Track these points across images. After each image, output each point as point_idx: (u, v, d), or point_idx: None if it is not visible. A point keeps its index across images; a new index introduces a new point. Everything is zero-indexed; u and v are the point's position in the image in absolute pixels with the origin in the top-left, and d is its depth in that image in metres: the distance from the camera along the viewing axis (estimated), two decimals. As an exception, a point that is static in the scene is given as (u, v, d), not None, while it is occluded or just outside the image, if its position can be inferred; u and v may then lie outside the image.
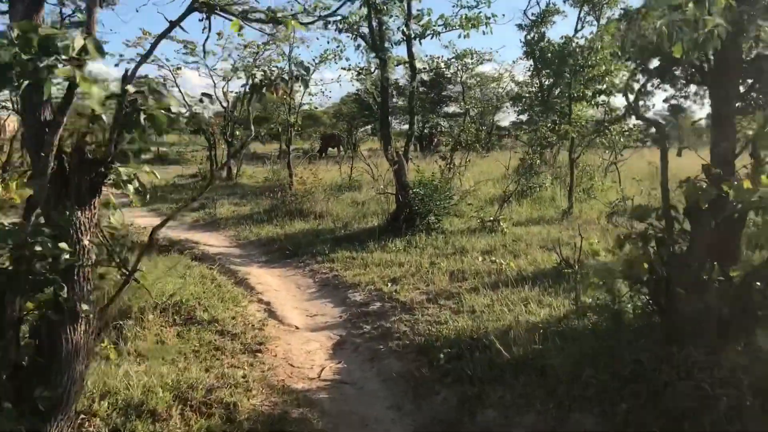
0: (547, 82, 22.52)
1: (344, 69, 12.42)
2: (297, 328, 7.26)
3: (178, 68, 21.09)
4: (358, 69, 12.06)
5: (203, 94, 5.17)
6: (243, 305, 7.70)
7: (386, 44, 11.40)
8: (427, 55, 12.44)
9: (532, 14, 22.99)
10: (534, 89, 22.83)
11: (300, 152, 47.64)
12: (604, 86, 13.35)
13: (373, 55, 11.49)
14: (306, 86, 5.31)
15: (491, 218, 11.61)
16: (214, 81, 21.72)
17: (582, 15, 22.82)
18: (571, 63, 13.17)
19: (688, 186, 4.71)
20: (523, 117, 25.82)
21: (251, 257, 10.80)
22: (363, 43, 11.62)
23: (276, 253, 10.91)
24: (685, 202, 5.08)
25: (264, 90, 5.24)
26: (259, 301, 8.18)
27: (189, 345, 6.26)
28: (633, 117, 13.54)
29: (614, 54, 13.36)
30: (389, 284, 8.41)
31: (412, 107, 11.70)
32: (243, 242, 12.01)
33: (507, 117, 51.94)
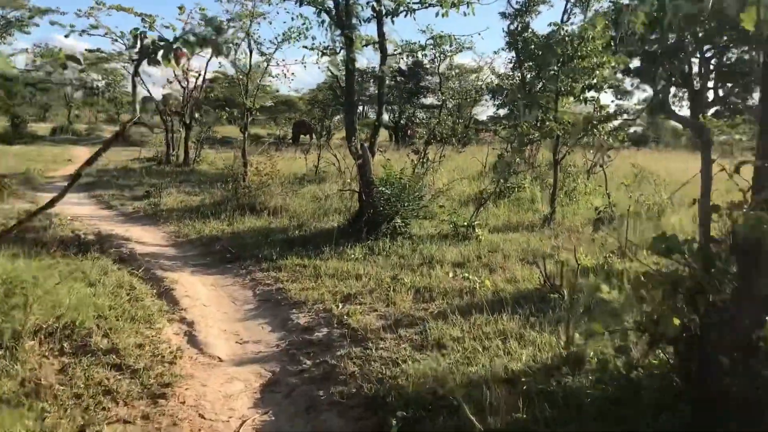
0: (529, 76, 21.23)
1: (306, 47, 10.93)
2: (220, 360, 5.83)
3: (133, 45, 19.34)
4: (322, 49, 10.58)
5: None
6: (158, 327, 6.25)
7: (353, 21, 9.97)
8: (403, 40, 10.90)
9: (517, 2, 21.69)
10: (515, 82, 21.51)
11: (273, 138, 46.22)
12: (594, 80, 12.02)
13: (338, 32, 10.05)
14: (219, 52, 3.90)
15: (465, 223, 10.27)
16: (173, 58, 20.00)
17: (569, 6, 21.59)
18: (559, 53, 11.80)
19: (746, 216, 3.35)
20: (503, 111, 24.48)
21: (186, 260, 9.32)
22: (328, 19, 10.16)
23: (216, 255, 9.44)
24: (727, 232, 3.76)
25: (160, 55, 3.83)
26: (181, 320, 6.72)
27: (70, 387, 4.81)
28: (622, 115, 12.33)
29: (606, 45, 12.09)
30: (341, 304, 7.02)
31: (381, 94, 10.29)
32: (181, 240, 10.51)
33: (485, 111, 50.83)
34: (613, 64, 12.13)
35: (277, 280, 8.04)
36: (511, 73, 23.28)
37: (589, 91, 12.35)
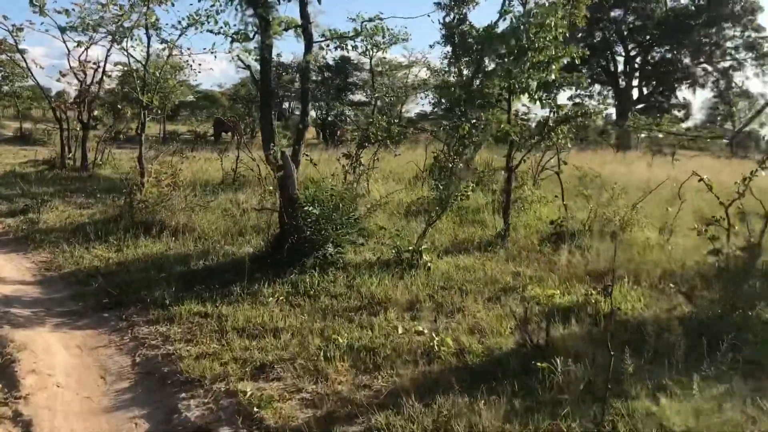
0: (467, 71, 19.65)
1: (212, 32, 8.80)
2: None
3: (20, 29, 16.60)
4: (232, 34, 8.50)
5: None
6: (-33, 440, 4.14)
7: (270, -2, 7.98)
8: (331, 29, 8.90)
9: (454, -9, 20.08)
10: (453, 79, 19.90)
11: (191, 136, 43.33)
12: (552, 76, 10.39)
13: (250, 12, 8.02)
14: None
15: (410, 248, 8.43)
16: (68, 48, 17.39)
17: (507, -2, 20.11)
18: (513, 44, 10.11)
19: None
20: (438, 110, 22.77)
21: (51, 305, 7.09)
22: (238, -4, 8.12)
23: (91, 298, 7.24)
24: None
25: None
26: (14, 418, 4.60)
27: None
28: (587, 116, 10.80)
29: (561, 35, 10.52)
30: (251, 382, 5.06)
31: (305, 90, 8.29)
32: (52, 275, 8.24)
33: (414, 108, 49.54)
34: (571, 56, 10.56)
35: (166, 339, 5.98)
36: (447, 69, 21.66)
37: (545, 89, 10.75)
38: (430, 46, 43.70)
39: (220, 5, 9.98)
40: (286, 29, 8.20)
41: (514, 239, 10.56)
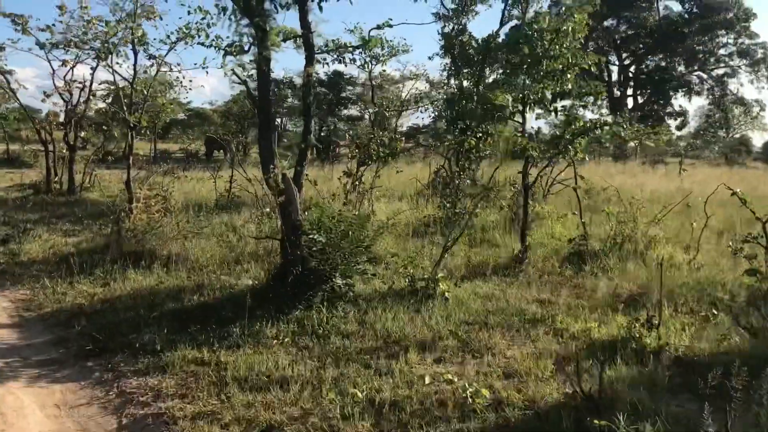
0: (466, 83, 18.99)
1: (203, 45, 8.09)
2: None
3: (1, 48, 15.86)
4: (225, 46, 7.78)
5: None
6: None
7: (267, 6, 7.27)
8: (334, 39, 8.19)
9: (452, 1, 19.42)
10: (453, 91, 19.21)
11: (183, 155, 42.60)
12: (568, 86, 9.70)
13: (246, 22, 7.31)
14: None
15: (425, 276, 7.70)
16: (52, 67, 16.66)
17: (507, 8, 19.51)
18: (527, 52, 9.42)
19: None
20: (440, 123, 22.05)
21: (28, 354, 6.29)
22: (231, 5, 7.41)
23: (74, 343, 6.45)
24: None
25: None
26: None
27: None
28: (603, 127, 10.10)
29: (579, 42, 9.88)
30: (259, 450, 4.30)
31: (307, 106, 7.55)
32: (31, 316, 7.43)
33: (406, 121, 49.06)
34: (588, 63, 9.89)
35: (158, 395, 5.20)
36: (446, 81, 21.00)
37: (561, 100, 10.06)
38: (429, 58, 42.67)
39: (212, 18, 9.36)
40: (284, 40, 7.49)
41: (533, 261, 9.85)
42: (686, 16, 57.77)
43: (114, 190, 19.88)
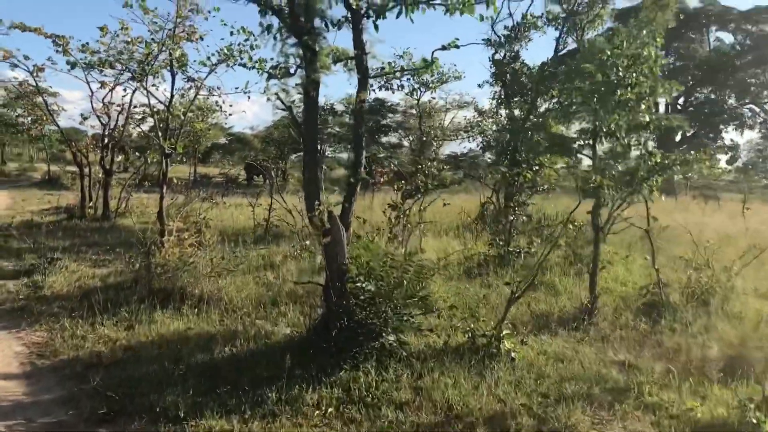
0: (518, 112, 18.06)
1: (245, 66, 7.34)
2: None
3: (41, 69, 15.48)
4: (269, 69, 7.02)
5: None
6: None
7: (316, 24, 6.48)
8: (390, 62, 7.35)
9: (505, 27, 18.59)
10: (503, 120, 18.30)
11: (223, 179, 42.43)
12: (646, 118, 8.70)
13: (293, 42, 6.53)
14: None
15: (489, 332, 6.71)
16: (91, 89, 16.27)
17: (562, 35, 18.61)
18: (602, 80, 8.46)
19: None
20: (489, 153, 21.08)
21: (33, 415, 5.46)
22: (277, 22, 6.64)
23: (87, 403, 5.59)
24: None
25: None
26: None
27: None
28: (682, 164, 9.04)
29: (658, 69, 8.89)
30: None
31: (359, 135, 6.68)
32: (43, 365, 6.63)
33: (445, 149, 48.35)
34: (670, 93, 8.90)
35: (177, 481, 4.31)
36: (495, 110, 20.10)
37: (636, 132, 9.04)
38: (479, 86, 41.27)
39: (255, 39, 8.66)
40: (335, 62, 6.68)
41: (602, 312, 8.78)
42: (738, 47, 56.14)
43: (150, 215, 19.38)
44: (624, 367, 6.72)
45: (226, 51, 9.50)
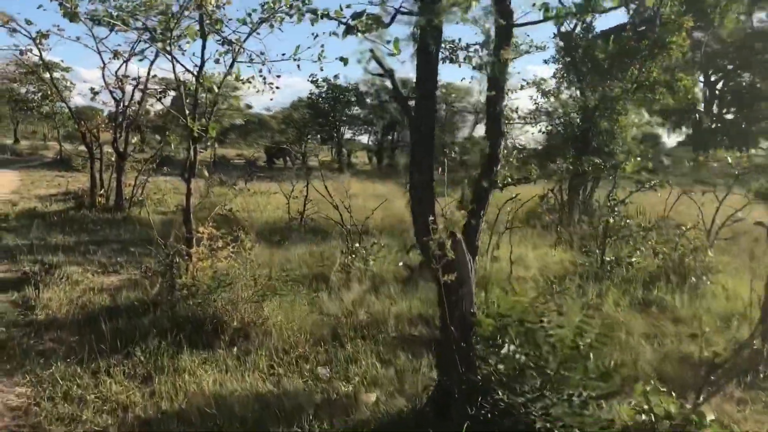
0: (591, 95, 15.67)
1: (316, 16, 5.06)
2: None
3: (44, 35, 13.29)
4: (353, 15, 4.78)
5: None
6: None
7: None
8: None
9: (574, -4, 16.13)
10: (573, 101, 15.89)
11: (242, 161, 40.34)
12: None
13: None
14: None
15: (688, 417, 4.47)
16: (103, 60, 14.08)
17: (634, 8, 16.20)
18: None
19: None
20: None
21: None
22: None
23: None
24: None
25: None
26: None
27: None
28: None
29: None
30: None
31: (496, 116, 4.43)
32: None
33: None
34: None
35: None
36: (557, 90, 17.69)
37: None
38: (545, 62, 38.19)
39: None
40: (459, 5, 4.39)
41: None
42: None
43: (169, 204, 17.29)
44: None
45: (271, 4, 7.23)
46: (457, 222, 4.44)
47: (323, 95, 44.38)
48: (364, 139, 56.53)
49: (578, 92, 15.81)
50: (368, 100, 48.92)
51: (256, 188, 23.17)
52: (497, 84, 4.27)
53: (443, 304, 4.21)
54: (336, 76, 46.50)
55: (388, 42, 4.58)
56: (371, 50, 4.28)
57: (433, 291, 8.16)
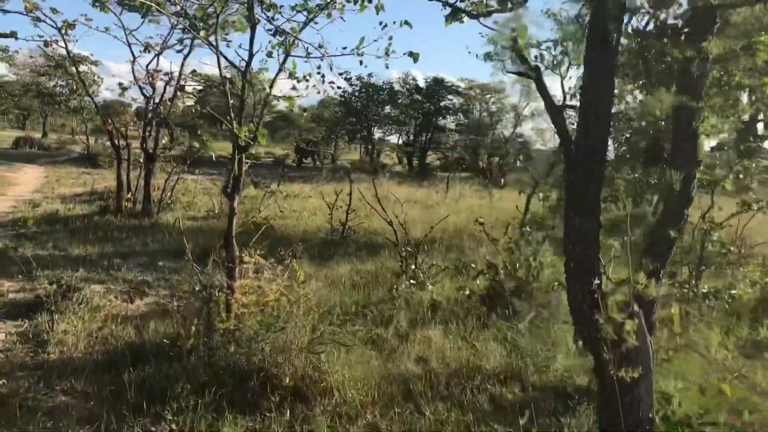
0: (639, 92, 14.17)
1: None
2: None
3: (71, 25, 12.18)
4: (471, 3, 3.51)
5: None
6: None
7: None
8: None
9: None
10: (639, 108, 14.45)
11: (271, 160, 39.33)
12: None
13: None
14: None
15: None
16: (133, 53, 12.98)
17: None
18: None
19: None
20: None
21: None
22: None
23: None
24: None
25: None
26: None
27: None
28: None
29: None
30: None
31: (688, 133, 3.05)
32: None
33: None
34: None
35: None
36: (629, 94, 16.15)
37: None
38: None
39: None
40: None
41: None
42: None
43: (200, 206, 16.20)
44: None
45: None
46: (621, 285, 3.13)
47: (356, 93, 43.22)
48: (393, 139, 55.32)
49: (647, 95, 14.32)
50: (399, 100, 47.73)
51: (288, 190, 22.08)
52: (694, 87, 2.96)
53: (609, 406, 2.90)
54: (370, 75, 45.25)
55: (513, 31, 3.31)
56: (513, 42, 2.99)
57: (512, 331, 6.88)
